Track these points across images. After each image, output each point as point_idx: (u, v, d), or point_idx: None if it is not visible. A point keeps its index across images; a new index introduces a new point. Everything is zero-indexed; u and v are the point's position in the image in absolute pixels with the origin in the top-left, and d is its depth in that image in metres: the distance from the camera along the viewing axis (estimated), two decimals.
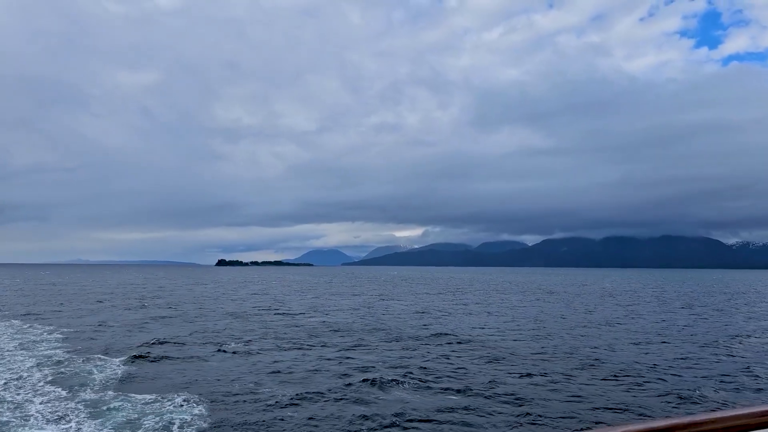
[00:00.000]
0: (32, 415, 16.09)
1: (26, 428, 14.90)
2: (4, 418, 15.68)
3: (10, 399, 17.77)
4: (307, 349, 28.45)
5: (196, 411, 16.70)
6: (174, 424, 15.48)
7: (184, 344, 29.49)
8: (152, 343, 29.29)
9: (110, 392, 18.77)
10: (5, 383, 19.81)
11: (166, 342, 29.97)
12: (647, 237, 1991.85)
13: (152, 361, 24.61)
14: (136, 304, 57.93)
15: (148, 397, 18.23)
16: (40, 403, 17.32)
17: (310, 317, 44.83)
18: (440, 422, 15.92)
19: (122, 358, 24.81)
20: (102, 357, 25.20)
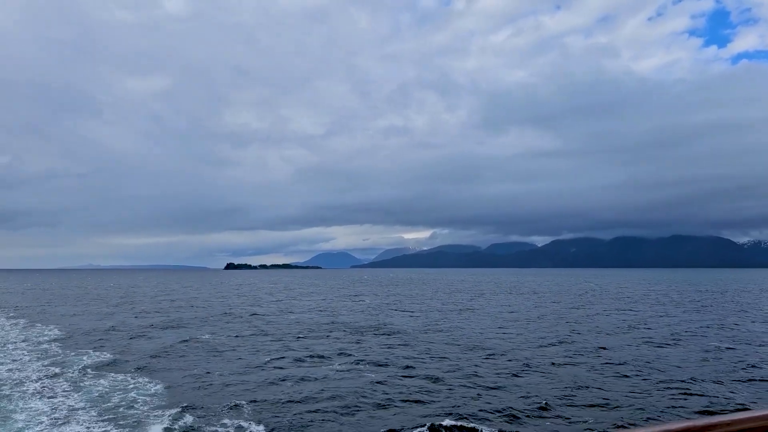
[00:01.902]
0: (26, 390, 20.50)
1: (22, 399, 19.26)
2: (5, 392, 20.12)
3: (8, 378, 22.22)
4: (281, 341, 32.70)
5: (154, 389, 21.02)
6: (137, 400, 19.79)
7: (160, 336, 33.88)
8: (130, 333, 33.75)
9: (90, 374, 23.21)
10: (8, 370, 24.30)
11: (148, 336, 34.41)
12: (656, 237, 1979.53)
13: (132, 352, 29.04)
14: (128, 305, 62.54)
15: (120, 376, 22.67)
16: (33, 381, 21.81)
17: (290, 314, 49.10)
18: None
19: (109, 351, 29.29)
20: (90, 350, 29.73)
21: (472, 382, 22.00)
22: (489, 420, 17.10)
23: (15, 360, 27.07)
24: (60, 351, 29.63)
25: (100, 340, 33.89)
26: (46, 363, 25.97)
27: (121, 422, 16.67)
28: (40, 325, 42.60)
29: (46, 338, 34.78)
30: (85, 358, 27.42)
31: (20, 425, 16.39)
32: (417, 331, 38.05)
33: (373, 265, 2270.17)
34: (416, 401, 19.34)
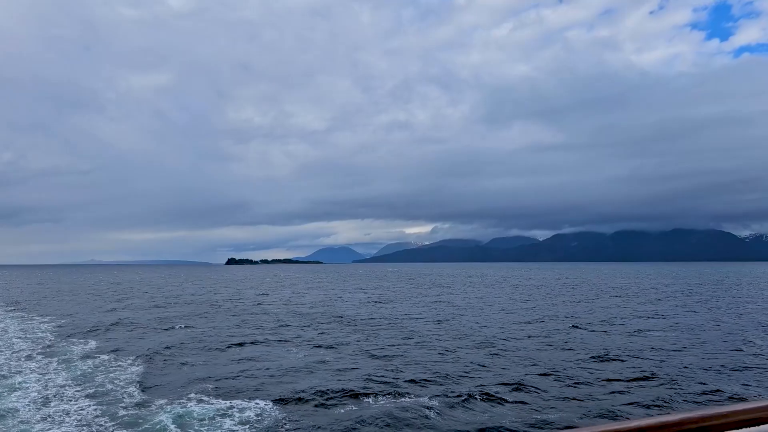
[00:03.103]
0: (22, 370, 23.32)
1: (19, 375, 22.06)
2: (3, 372, 22.96)
3: (5, 363, 25.05)
4: (252, 329, 35.51)
5: (133, 369, 23.81)
6: (117, 373, 22.57)
7: (144, 326, 36.72)
8: (117, 323, 36.60)
9: (77, 358, 26.05)
10: (6, 357, 27.14)
11: (129, 323, 37.25)
12: (658, 231, 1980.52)
13: (116, 339, 31.91)
14: (120, 298, 65.48)
15: (106, 359, 25.49)
16: (27, 362, 24.68)
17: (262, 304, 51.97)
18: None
19: (97, 339, 32.14)
20: (81, 339, 32.59)
21: (400, 356, 24.72)
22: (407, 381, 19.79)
23: (12, 346, 29.94)
24: (53, 339, 32.54)
25: (90, 330, 36.70)
26: (39, 349, 28.79)
27: (100, 396, 19.39)
28: (37, 316, 45.62)
29: (41, 328, 37.70)
30: (74, 345, 30.23)
31: (14, 399, 19.14)
32: (367, 318, 40.89)
33: (375, 259, 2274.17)
34: (340, 369, 22.11)
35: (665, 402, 18.06)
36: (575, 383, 20.84)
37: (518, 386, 20.23)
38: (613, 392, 19.43)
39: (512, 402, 18.38)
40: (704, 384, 20.32)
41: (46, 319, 43.10)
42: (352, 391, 19.65)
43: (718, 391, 19.39)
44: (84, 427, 15.79)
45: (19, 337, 33.48)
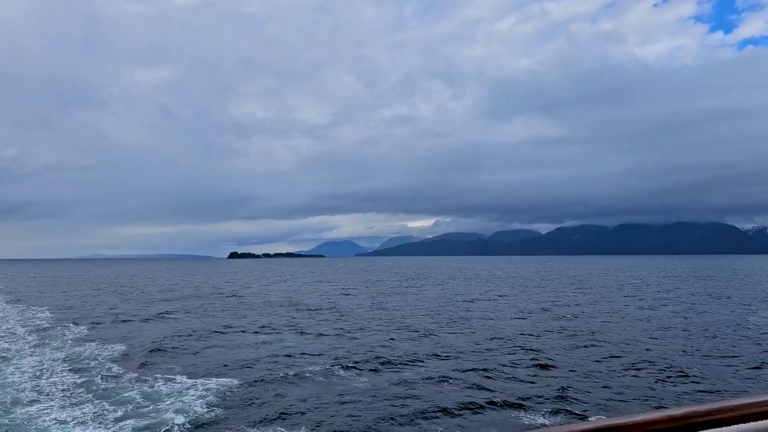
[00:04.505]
0: (20, 353, 26.42)
1: (16, 358, 25.14)
2: (2, 354, 26.08)
3: (4, 348, 28.18)
4: (234, 317, 38.53)
5: (119, 350, 26.88)
6: (100, 355, 25.60)
7: (133, 315, 39.85)
8: (108, 313, 39.76)
9: (69, 341, 29.18)
10: (5, 341, 30.28)
11: (120, 314, 40.39)
12: (661, 224, 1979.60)
13: (106, 327, 35.05)
14: (114, 290, 68.75)
15: (93, 344, 28.56)
16: (23, 346, 27.83)
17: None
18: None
19: (85, 325, 35.29)
20: (72, 325, 35.79)
21: (357, 338, 27.71)
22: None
23: (10, 331, 33.16)
24: (48, 325, 35.82)
25: (84, 318, 39.88)
26: (35, 335, 31.99)
27: (86, 372, 22.40)
28: (35, 307, 49.03)
29: (38, 317, 40.99)
30: (67, 331, 33.39)
31: (11, 371, 22.21)
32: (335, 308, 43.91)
33: (377, 253, 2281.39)
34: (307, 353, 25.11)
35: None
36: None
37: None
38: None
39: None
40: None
41: (44, 309, 46.38)
42: (319, 370, 22.66)
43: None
44: (66, 397, 18.79)
45: (19, 323, 36.84)
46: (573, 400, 17.90)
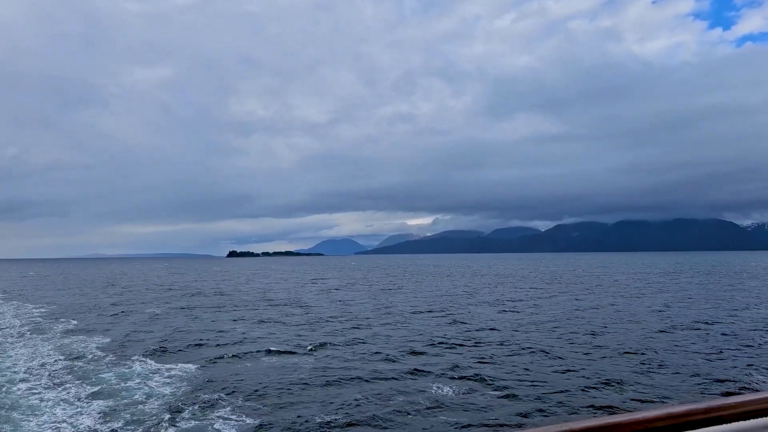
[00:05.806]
0: (14, 344, 28.95)
1: (12, 348, 27.66)
2: None
3: (3, 341, 30.74)
4: (217, 312, 40.99)
5: (105, 342, 29.38)
6: (88, 348, 28.10)
7: (124, 310, 42.37)
8: (101, 308, 42.30)
9: (59, 334, 31.74)
10: (3, 334, 32.84)
11: (113, 308, 42.95)
12: (660, 221, 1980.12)
13: (96, 321, 37.62)
14: (109, 288, 71.25)
15: (82, 337, 31.10)
16: (18, 338, 30.40)
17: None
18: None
19: (79, 321, 37.89)
20: (66, 320, 38.36)
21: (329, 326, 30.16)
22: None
23: (6, 325, 35.76)
24: (42, 320, 38.41)
25: (75, 313, 42.44)
26: (29, 328, 34.57)
27: (76, 361, 24.88)
28: (30, 304, 51.73)
29: (33, 313, 43.60)
30: (59, 325, 35.96)
31: (8, 362, 24.71)
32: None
33: (377, 251, 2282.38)
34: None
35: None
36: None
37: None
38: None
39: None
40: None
41: (40, 306, 48.98)
42: (283, 354, 25.20)
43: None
44: (50, 378, 21.30)
45: (14, 318, 39.63)
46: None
